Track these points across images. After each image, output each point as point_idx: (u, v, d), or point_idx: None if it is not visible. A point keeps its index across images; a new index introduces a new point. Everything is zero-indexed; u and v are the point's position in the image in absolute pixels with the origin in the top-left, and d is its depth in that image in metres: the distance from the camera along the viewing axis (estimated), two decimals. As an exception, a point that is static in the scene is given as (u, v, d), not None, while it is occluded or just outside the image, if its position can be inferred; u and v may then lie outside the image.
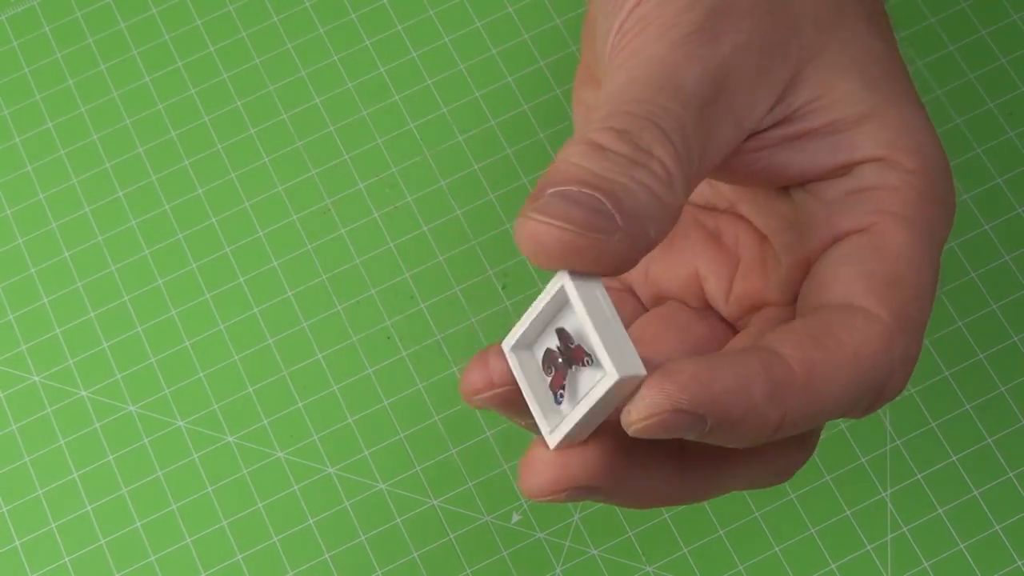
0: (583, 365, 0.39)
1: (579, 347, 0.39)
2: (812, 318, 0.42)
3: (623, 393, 0.38)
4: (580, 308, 0.38)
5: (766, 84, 0.43)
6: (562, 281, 0.38)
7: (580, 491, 0.40)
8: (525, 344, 0.40)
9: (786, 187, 0.45)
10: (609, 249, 0.39)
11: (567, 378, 0.39)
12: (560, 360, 0.39)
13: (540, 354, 0.40)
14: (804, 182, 0.45)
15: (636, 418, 0.38)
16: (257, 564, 0.58)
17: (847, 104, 0.44)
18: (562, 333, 0.39)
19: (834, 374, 0.40)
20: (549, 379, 0.40)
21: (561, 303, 0.39)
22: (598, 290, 0.39)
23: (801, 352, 0.40)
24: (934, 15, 0.65)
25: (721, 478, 0.43)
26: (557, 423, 0.39)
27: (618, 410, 0.38)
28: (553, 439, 0.39)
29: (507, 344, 0.40)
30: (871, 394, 0.41)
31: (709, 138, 0.41)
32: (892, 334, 0.41)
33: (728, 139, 0.42)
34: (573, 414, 0.38)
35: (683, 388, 0.38)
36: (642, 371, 0.38)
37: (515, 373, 0.40)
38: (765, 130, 0.44)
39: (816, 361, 0.40)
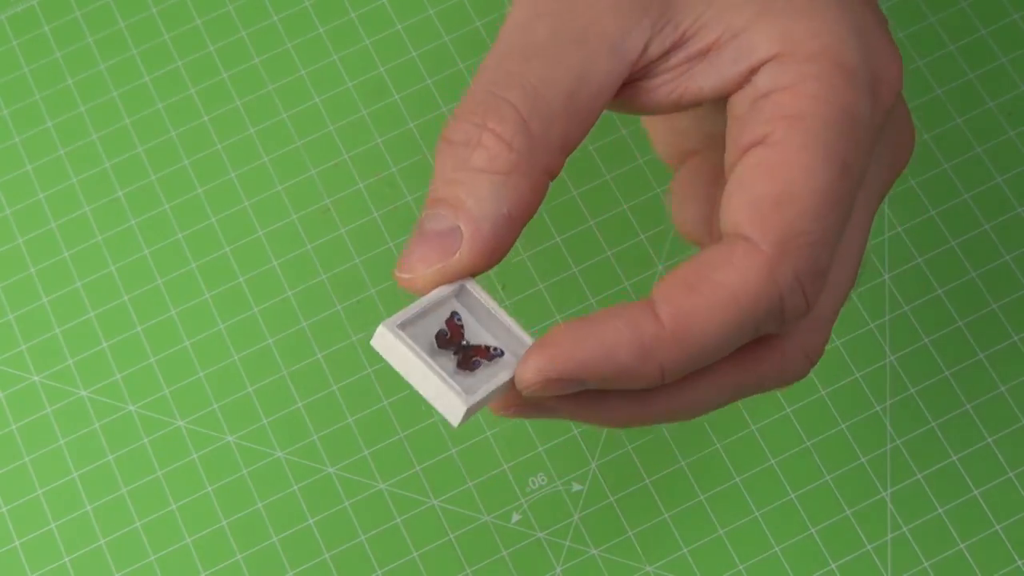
0: (488, 359, 0.45)
1: (480, 347, 0.45)
2: (693, 260, 0.43)
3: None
4: (476, 313, 0.45)
5: (634, 6, 0.44)
6: (444, 292, 0.45)
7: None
8: (408, 325, 0.44)
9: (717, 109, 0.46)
10: (467, 258, 0.44)
11: (470, 361, 0.45)
12: (461, 344, 0.45)
13: (430, 333, 0.45)
14: (721, 98, 0.45)
15: (522, 386, 0.43)
16: (257, 564, 0.58)
17: (734, 8, 0.44)
18: (454, 320, 0.45)
19: (708, 319, 0.42)
20: (454, 357, 0.45)
21: (442, 302, 0.45)
22: (474, 289, 0.45)
23: (672, 304, 0.42)
24: (934, 15, 0.65)
25: (684, 398, 0.44)
26: (471, 388, 0.44)
27: None
28: (470, 399, 0.43)
29: (392, 323, 0.44)
30: (770, 322, 0.42)
31: (575, 80, 0.44)
32: (772, 264, 0.42)
33: (608, 71, 0.44)
34: (490, 384, 0.44)
35: (551, 359, 0.42)
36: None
37: (408, 343, 0.44)
38: (664, 56, 0.45)
39: (686, 310, 0.42)
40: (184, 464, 0.60)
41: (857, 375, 0.60)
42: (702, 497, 0.58)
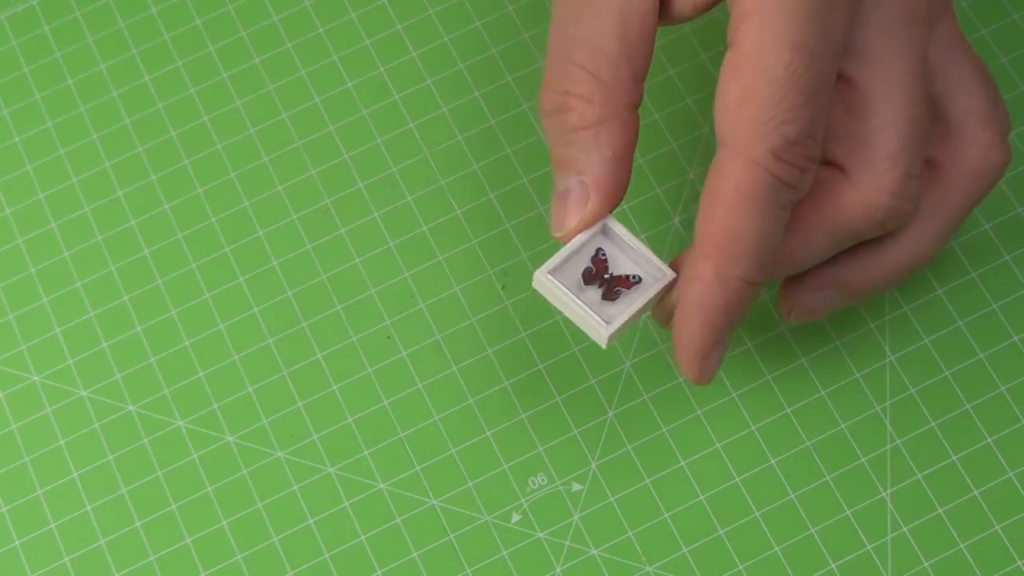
0: (628, 288, 0.54)
1: (621, 277, 0.54)
2: (705, 184, 0.51)
3: (663, 291, 0.54)
4: (619, 245, 0.54)
5: None
6: (607, 222, 0.54)
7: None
8: (557, 271, 0.53)
9: None
10: (596, 202, 0.53)
11: (612, 292, 0.54)
12: (604, 278, 0.54)
13: (577, 272, 0.54)
14: None
15: (695, 380, 0.53)
16: (257, 564, 0.58)
17: None
18: (599, 256, 0.54)
19: (732, 227, 0.50)
20: (600, 289, 0.54)
21: (587, 243, 0.54)
22: (614, 225, 0.54)
23: (704, 237, 0.50)
24: (934, 15, 0.65)
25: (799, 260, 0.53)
26: (614, 317, 0.53)
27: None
28: (610, 328, 0.53)
29: (544, 270, 0.53)
30: (783, 194, 0.49)
31: (620, 23, 0.52)
32: (748, 159, 0.49)
33: (642, 2, 0.52)
34: (629, 308, 0.53)
35: (687, 360, 0.53)
36: (672, 274, 0.53)
37: (558, 285, 0.53)
38: None
39: (712, 233, 0.50)
40: (184, 464, 0.60)
41: (857, 375, 0.60)
42: (702, 497, 0.58)
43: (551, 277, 0.53)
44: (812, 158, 0.50)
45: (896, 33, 0.52)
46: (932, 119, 0.53)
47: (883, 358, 0.60)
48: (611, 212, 0.53)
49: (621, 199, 0.54)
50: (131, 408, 0.60)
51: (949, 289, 0.61)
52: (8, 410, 0.60)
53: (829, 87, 0.50)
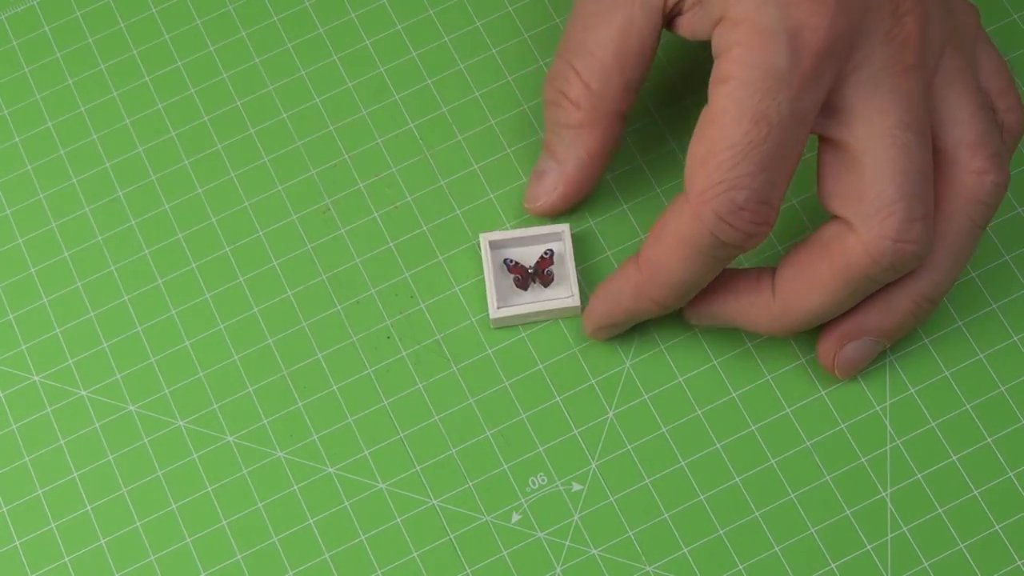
0: (550, 263, 0.61)
1: (538, 260, 0.61)
2: (660, 218, 0.56)
3: (570, 240, 0.61)
4: (566, 249, 0.61)
5: None
6: (487, 238, 0.61)
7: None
8: (502, 299, 0.60)
9: None
10: (562, 189, 0.61)
11: (545, 276, 0.61)
12: (529, 272, 0.61)
13: (511, 287, 0.61)
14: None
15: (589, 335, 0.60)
16: (257, 564, 0.58)
17: None
18: (509, 264, 0.61)
19: (668, 259, 0.55)
20: (535, 282, 0.61)
21: (491, 256, 0.61)
22: (566, 235, 0.61)
23: (645, 254, 0.56)
24: (934, 15, 0.65)
25: (798, 306, 0.56)
26: (569, 289, 0.60)
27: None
28: (576, 296, 0.60)
29: (495, 308, 0.60)
30: (718, 251, 0.54)
31: (620, 37, 0.58)
32: (695, 209, 0.53)
33: (644, 23, 0.58)
34: (570, 276, 0.60)
35: (588, 320, 0.59)
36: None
37: (516, 307, 0.60)
38: (682, 1, 0.56)
39: (650, 256, 0.56)
40: (184, 464, 0.60)
41: (857, 375, 0.60)
42: (702, 497, 0.58)
43: (503, 308, 0.60)
44: (760, 222, 0.53)
45: (879, 88, 0.54)
46: (931, 160, 0.55)
47: (883, 358, 0.60)
48: (576, 201, 0.61)
49: (588, 192, 0.61)
50: (131, 408, 0.60)
51: (949, 289, 0.61)
52: (8, 410, 0.61)
53: (791, 154, 0.53)
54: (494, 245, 0.61)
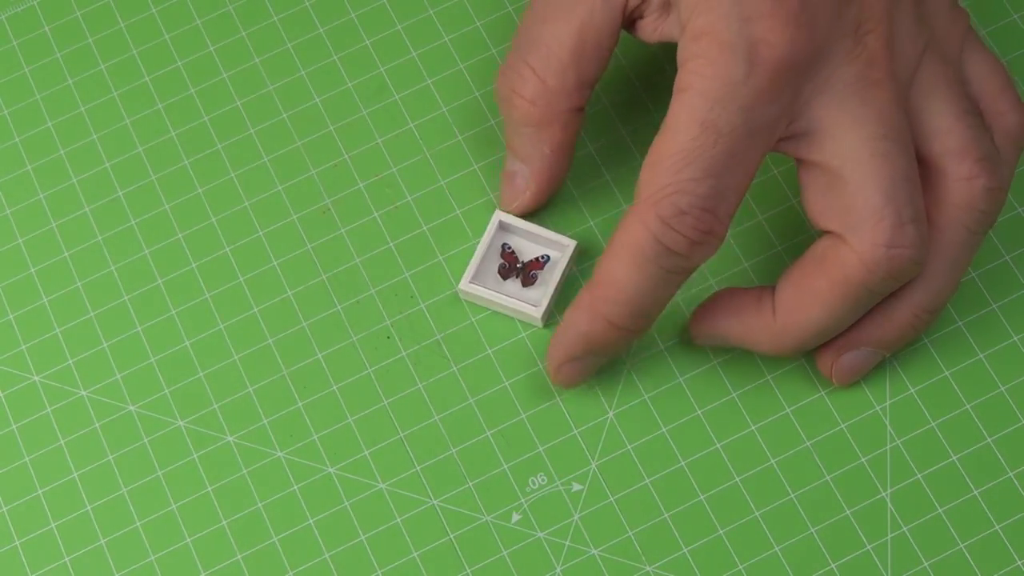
0: (541, 269, 0.60)
1: (533, 260, 0.60)
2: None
3: (569, 257, 0.60)
4: (520, 227, 0.61)
5: None
6: (499, 218, 0.61)
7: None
8: (476, 276, 0.61)
9: None
10: (533, 188, 0.61)
11: (529, 277, 0.60)
12: (518, 267, 0.60)
13: (493, 271, 0.60)
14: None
15: (554, 379, 0.59)
16: (257, 564, 0.58)
17: None
18: (505, 250, 0.61)
19: (616, 268, 0.54)
20: (518, 279, 0.60)
21: (491, 243, 0.61)
22: (509, 219, 0.61)
23: (598, 267, 0.55)
24: (934, 15, 0.65)
25: (793, 319, 0.56)
26: (539, 300, 0.60)
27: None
28: (539, 309, 0.60)
29: (465, 280, 0.60)
30: (662, 259, 0.53)
31: (578, 34, 0.58)
32: (640, 215, 0.53)
33: (603, 21, 0.58)
34: (548, 288, 0.60)
35: (551, 358, 0.57)
36: (573, 243, 0.61)
37: (483, 290, 0.60)
38: (644, 3, 0.57)
39: (602, 269, 0.55)
40: (184, 464, 0.60)
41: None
42: (702, 497, 0.58)
43: (473, 284, 0.60)
44: (705, 231, 0.53)
45: (847, 104, 0.54)
46: (915, 166, 0.55)
47: (883, 360, 0.60)
48: (551, 195, 0.61)
49: (557, 188, 0.61)
50: (131, 408, 0.61)
51: (949, 289, 0.61)
52: (8, 410, 0.61)
53: (742, 168, 0.53)
54: (503, 226, 0.61)
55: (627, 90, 0.65)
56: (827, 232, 0.55)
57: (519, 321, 0.61)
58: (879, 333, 0.57)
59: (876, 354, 0.58)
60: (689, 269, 0.54)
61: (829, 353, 0.58)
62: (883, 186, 0.53)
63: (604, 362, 0.57)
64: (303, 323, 0.61)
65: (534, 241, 0.61)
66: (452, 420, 0.60)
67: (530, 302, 0.60)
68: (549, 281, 0.60)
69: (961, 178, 0.55)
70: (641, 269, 0.54)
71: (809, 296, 0.55)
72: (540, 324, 0.60)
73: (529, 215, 0.62)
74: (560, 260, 0.60)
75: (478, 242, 0.62)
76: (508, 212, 0.61)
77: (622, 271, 0.54)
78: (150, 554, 0.58)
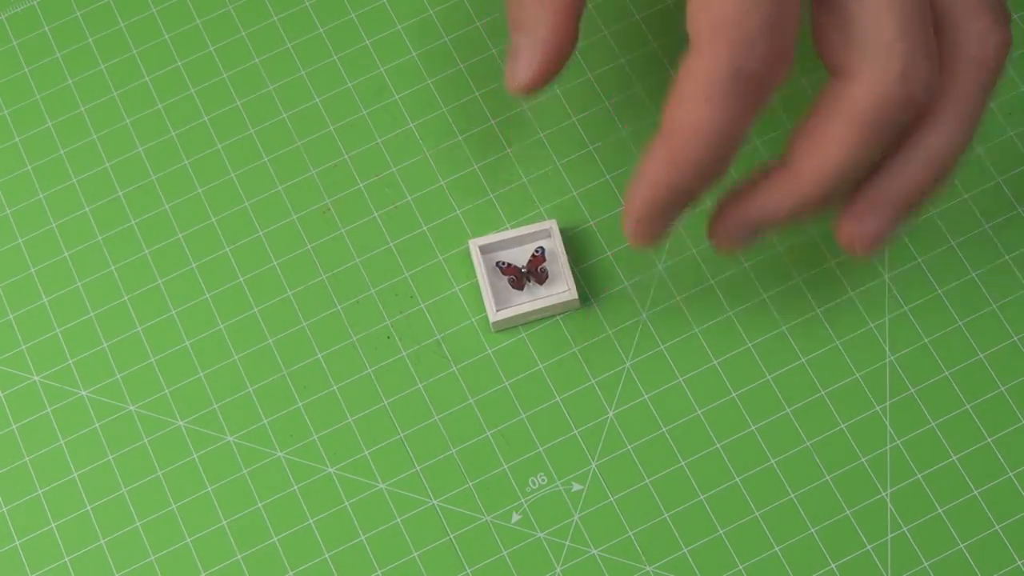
0: (542, 261, 0.61)
1: (530, 259, 0.61)
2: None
3: (559, 234, 0.62)
4: (558, 246, 0.61)
5: None
6: (476, 244, 0.61)
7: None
8: (500, 301, 0.61)
9: None
10: (542, 62, 0.56)
11: (540, 273, 0.61)
12: (522, 272, 0.61)
13: (508, 290, 0.61)
14: None
15: (632, 238, 0.56)
16: (257, 564, 0.58)
17: None
18: (502, 266, 0.61)
19: (686, 108, 0.52)
20: (530, 282, 0.61)
21: (482, 262, 0.61)
22: (554, 230, 0.62)
23: (666, 112, 0.53)
24: (934, 15, 0.65)
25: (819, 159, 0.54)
26: (565, 282, 0.61)
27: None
28: (573, 291, 0.60)
29: (493, 311, 0.60)
30: (730, 82, 0.52)
31: None
32: (705, 52, 0.52)
33: None
34: (564, 269, 0.61)
35: (628, 217, 0.55)
36: (575, 296, 0.61)
37: (515, 308, 0.61)
38: None
39: (672, 116, 0.53)
40: (184, 464, 0.60)
41: (857, 375, 0.60)
42: (702, 497, 0.58)
43: (503, 310, 0.60)
44: (779, 52, 0.52)
45: None
46: (928, 7, 0.55)
47: (883, 358, 0.60)
48: (559, 67, 0.57)
49: (566, 59, 0.57)
50: (131, 408, 0.61)
51: (949, 289, 0.61)
52: (8, 410, 0.61)
53: None
54: (484, 249, 0.61)
55: (627, 90, 0.65)
56: (835, 76, 0.54)
57: (520, 323, 0.61)
58: (899, 189, 0.56)
59: (896, 218, 0.56)
60: (766, 96, 0.53)
61: (850, 219, 0.56)
62: (896, 20, 0.53)
63: (680, 215, 0.55)
64: (303, 323, 0.61)
65: (520, 243, 0.61)
66: (452, 420, 0.60)
67: (559, 291, 0.61)
68: (560, 264, 0.61)
69: (976, 33, 0.55)
70: (717, 104, 0.52)
71: (824, 139, 0.54)
72: (579, 304, 0.61)
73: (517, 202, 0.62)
74: (554, 243, 0.61)
75: (473, 281, 0.62)
76: (515, 90, 0.57)
77: (698, 111, 0.52)
78: (150, 554, 0.58)
